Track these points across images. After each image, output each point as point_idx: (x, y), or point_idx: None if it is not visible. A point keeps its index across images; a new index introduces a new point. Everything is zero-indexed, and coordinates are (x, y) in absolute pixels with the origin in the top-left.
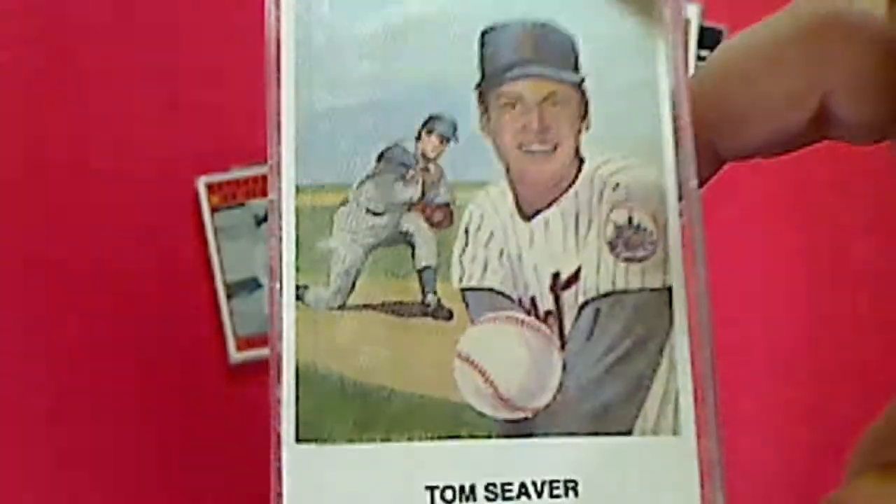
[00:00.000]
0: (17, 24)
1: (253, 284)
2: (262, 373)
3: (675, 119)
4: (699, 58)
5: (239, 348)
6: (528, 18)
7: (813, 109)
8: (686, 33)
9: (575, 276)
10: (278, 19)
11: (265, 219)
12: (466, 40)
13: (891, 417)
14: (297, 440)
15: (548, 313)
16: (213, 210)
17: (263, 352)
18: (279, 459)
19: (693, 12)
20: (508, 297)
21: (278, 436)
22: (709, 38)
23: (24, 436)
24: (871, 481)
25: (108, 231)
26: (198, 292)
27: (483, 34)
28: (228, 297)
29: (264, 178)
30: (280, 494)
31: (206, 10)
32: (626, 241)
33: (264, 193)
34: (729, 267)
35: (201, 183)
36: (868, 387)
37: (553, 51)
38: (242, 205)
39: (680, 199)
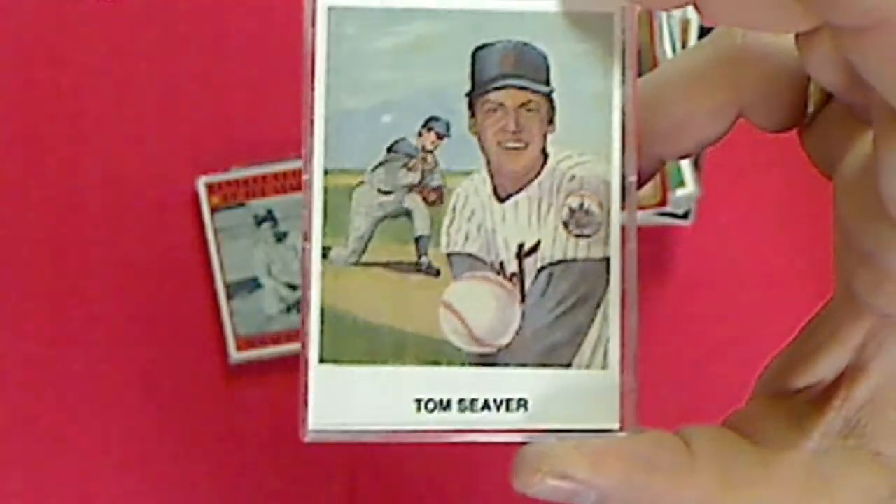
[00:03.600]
0: (16, 24)
1: (253, 284)
2: (263, 373)
3: (623, 125)
4: None
5: (239, 348)
6: (511, 39)
7: (732, 120)
8: (686, 32)
9: (535, 247)
10: (314, 36)
11: (265, 219)
12: (462, 56)
13: (787, 352)
14: (321, 361)
15: (513, 275)
16: (214, 210)
17: (263, 352)
18: (306, 376)
19: (694, 13)
20: (483, 261)
21: (306, 360)
22: None
23: (24, 435)
24: (758, 406)
25: (107, 231)
26: (198, 292)
27: (475, 51)
28: (228, 297)
29: (264, 178)
30: (307, 402)
31: (207, 10)
32: (577, 221)
33: (264, 194)
34: (730, 266)
35: (201, 183)
36: None
37: (530, 66)
38: (242, 205)
39: (622, 189)
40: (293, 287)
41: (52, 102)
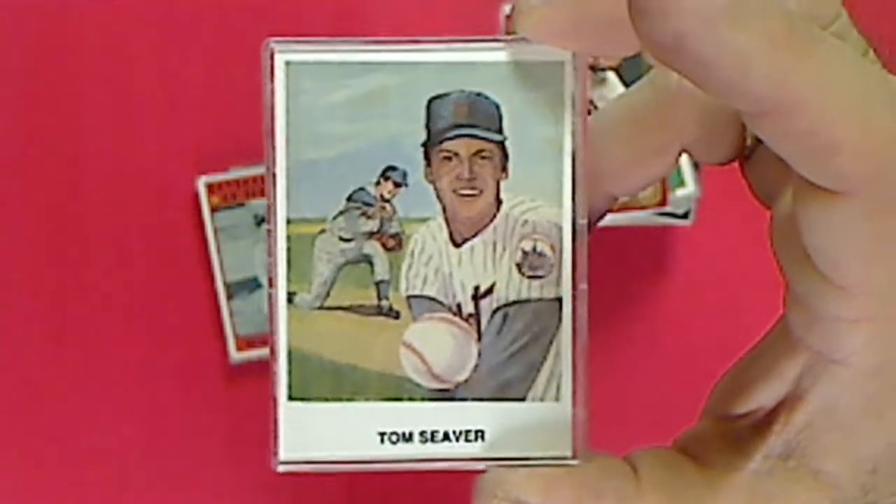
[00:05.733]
0: (16, 24)
1: (253, 284)
2: (263, 373)
3: (574, 170)
4: None
5: (239, 348)
6: (465, 89)
7: (676, 156)
8: None
9: (490, 289)
10: (272, 91)
11: (265, 219)
12: (416, 107)
13: (730, 376)
14: (290, 399)
15: (470, 315)
16: (214, 210)
17: (263, 352)
18: (276, 412)
19: None
20: (441, 303)
21: (275, 396)
22: None
23: (24, 434)
24: (703, 428)
25: (108, 231)
26: (198, 292)
27: (429, 102)
28: (228, 297)
29: (265, 178)
30: (276, 437)
31: (207, 10)
32: (531, 264)
33: (264, 193)
34: (730, 266)
35: (201, 183)
36: None
37: (483, 116)
38: (242, 205)
39: (574, 233)
40: None
41: (52, 102)
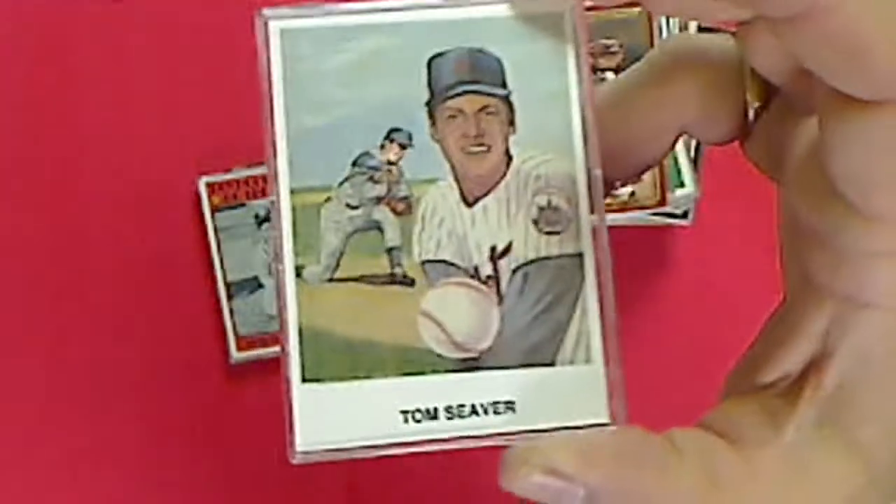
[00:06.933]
0: (16, 25)
1: (254, 284)
2: (263, 373)
3: (583, 120)
4: None
5: (239, 348)
6: (464, 46)
7: (675, 137)
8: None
9: (508, 248)
10: (268, 59)
11: (266, 219)
12: (417, 66)
13: (751, 351)
14: (303, 381)
15: (488, 277)
16: (214, 210)
17: (264, 352)
18: (290, 397)
19: None
20: (457, 267)
21: (288, 380)
22: None
23: (24, 434)
24: (730, 406)
25: (108, 231)
26: (198, 292)
27: (430, 61)
28: (229, 297)
29: (265, 178)
30: (292, 424)
31: (207, 10)
32: (547, 219)
33: (265, 194)
34: (730, 266)
35: (202, 183)
36: None
37: (485, 71)
38: (243, 205)
39: (588, 183)
40: None
41: (52, 103)
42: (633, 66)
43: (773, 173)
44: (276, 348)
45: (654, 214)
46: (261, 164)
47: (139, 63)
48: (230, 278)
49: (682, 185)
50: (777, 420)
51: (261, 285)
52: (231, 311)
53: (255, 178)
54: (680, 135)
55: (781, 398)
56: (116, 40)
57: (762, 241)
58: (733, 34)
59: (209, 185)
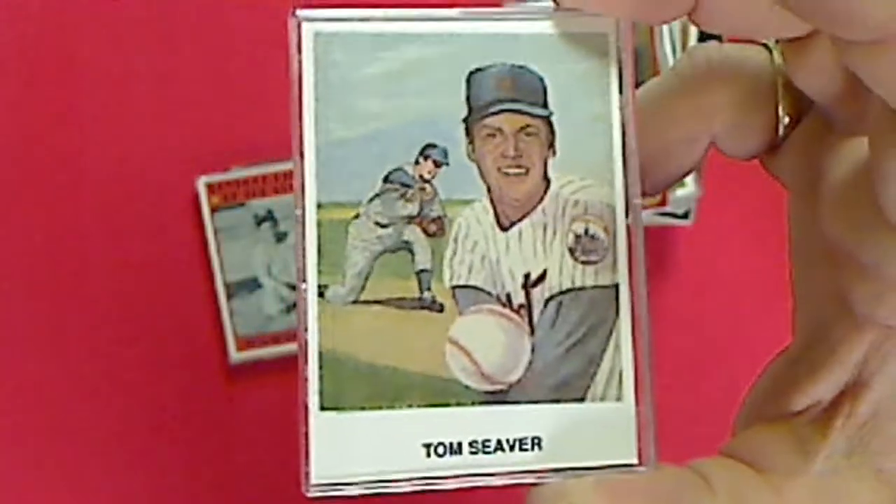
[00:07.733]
0: (14, 23)
1: (253, 284)
2: (263, 373)
3: (624, 147)
4: None
5: (239, 348)
6: (506, 62)
7: (705, 149)
8: (686, 34)
9: (542, 277)
10: (300, 63)
11: (265, 219)
12: (456, 81)
13: (771, 376)
14: (322, 409)
15: (520, 306)
16: (213, 210)
17: (263, 352)
18: (307, 425)
19: None
20: (489, 294)
21: (306, 406)
22: None
23: (24, 434)
24: (756, 433)
25: (107, 231)
26: (198, 292)
27: (469, 75)
28: (228, 297)
29: (265, 178)
30: (308, 454)
31: (207, 10)
32: (583, 248)
33: (264, 194)
34: (730, 266)
35: (201, 183)
36: None
37: (527, 90)
38: (243, 205)
39: (627, 213)
40: (293, 287)
41: (52, 102)
42: (659, 77)
43: (800, 189)
44: (276, 348)
45: (655, 214)
46: (260, 163)
47: (138, 62)
48: (229, 278)
49: (682, 185)
50: (806, 448)
51: (260, 285)
52: (230, 312)
53: (254, 177)
54: (710, 147)
55: (812, 426)
56: (116, 40)
57: (762, 241)
58: (763, 45)
59: (208, 185)
